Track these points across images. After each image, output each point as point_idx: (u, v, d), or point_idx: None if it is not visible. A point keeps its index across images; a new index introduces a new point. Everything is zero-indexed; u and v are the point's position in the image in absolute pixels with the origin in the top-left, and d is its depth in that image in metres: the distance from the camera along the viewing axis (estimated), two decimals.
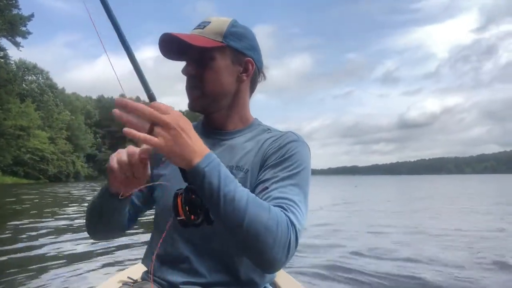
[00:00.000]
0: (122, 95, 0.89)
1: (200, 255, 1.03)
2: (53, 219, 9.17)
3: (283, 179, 0.97)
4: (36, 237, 6.50)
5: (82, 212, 10.05)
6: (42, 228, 7.58)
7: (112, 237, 1.20)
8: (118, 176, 0.89)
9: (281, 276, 1.49)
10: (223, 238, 0.98)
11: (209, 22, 1.05)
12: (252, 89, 1.16)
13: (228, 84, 1.07)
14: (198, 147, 0.83)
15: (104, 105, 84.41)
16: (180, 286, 1.01)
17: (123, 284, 1.12)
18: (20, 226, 7.84)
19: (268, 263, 0.85)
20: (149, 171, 0.89)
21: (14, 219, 8.89)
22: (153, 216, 1.16)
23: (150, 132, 0.77)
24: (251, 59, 1.09)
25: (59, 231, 7.12)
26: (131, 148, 0.87)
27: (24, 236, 6.68)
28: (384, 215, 10.58)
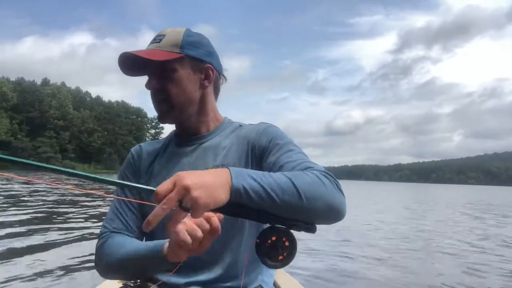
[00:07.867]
0: None
1: (202, 256, 1.00)
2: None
3: (286, 153, 1.03)
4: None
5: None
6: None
7: None
8: (187, 247, 0.81)
9: (282, 276, 1.49)
10: (224, 237, 0.97)
11: (164, 35, 1.08)
12: (216, 92, 1.20)
13: (192, 92, 1.11)
14: (217, 174, 0.81)
15: (25, 89, 77.78)
16: (182, 287, 1.02)
17: (123, 284, 1.10)
18: None
19: (336, 210, 0.89)
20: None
21: None
22: None
23: (182, 208, 0.73)
24: (210, 65, 1.13)
25: (60, 230, 6.61)
26: (200, 221, 0.80)
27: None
28: None
